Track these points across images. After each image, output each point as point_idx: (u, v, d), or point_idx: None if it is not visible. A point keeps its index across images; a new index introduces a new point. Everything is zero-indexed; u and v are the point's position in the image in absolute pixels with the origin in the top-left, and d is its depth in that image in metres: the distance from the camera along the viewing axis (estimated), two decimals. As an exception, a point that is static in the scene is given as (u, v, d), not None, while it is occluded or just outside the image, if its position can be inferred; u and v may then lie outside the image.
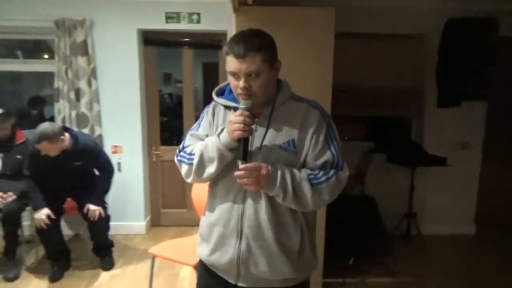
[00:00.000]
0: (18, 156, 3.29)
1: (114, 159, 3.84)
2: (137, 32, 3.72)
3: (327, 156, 1.32)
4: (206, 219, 1.46)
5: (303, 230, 1.37)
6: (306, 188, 1.27)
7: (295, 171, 1.30)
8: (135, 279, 3.12)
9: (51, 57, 3.95)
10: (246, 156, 1.26)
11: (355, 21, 3.51)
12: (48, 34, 3.73)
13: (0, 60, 3.92)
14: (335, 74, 2.64)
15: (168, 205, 4.26)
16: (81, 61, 3.60)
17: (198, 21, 3.69)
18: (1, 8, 3.58)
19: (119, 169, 3.91)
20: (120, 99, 3.79)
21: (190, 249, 2.64)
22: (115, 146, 3.89)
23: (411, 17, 3.66)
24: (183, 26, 3.71)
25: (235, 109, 1.35)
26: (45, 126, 2.81)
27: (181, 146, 1.44)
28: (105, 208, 3.18)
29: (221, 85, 1.49)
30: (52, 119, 3.91)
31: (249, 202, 1.34)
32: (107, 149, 3.80)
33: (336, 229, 3.05)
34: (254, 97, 1.29)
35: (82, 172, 3.16)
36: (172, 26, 3.71)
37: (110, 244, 3.42)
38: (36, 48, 4.19)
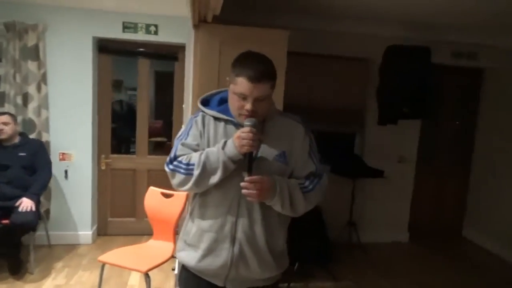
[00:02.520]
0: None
1: (61, 166, 3.78)
2: (92, 40, 3.70)
3: (312, 167, 1.47)
4: (195, 226, 1.48)
5: (285, 232, 1.54)
6: (299, 196, 1.41)
7: (289, 181, 1.42)
8: (81, 289, 3.06)
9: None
10: (251, 168, 1.34)
11: (306, 42, 3.76)
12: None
13: None
14: (285, 92, 2.83)
15: (116, 214, 4.20)
16: (31, 65, 3.51)
17: (156, 33, 3.75)
18: None
19: (66, 176, 3.82)
20: (71, 106, 3.72)
21: (141, 256, 2.67)
22: (63, 154, 3.79)
23: (357, 42, 4.00)
24: (140, 36, 3.75)
25: (226, 121, 1.44)
26: None
27: (172, 155, 1.44)
28: (38, 205, 3.28)
29: (206, 95, 1.56)
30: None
31: (243, 211, 1.41)
32: (54, 156, 3.70)
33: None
34: (256, 117, 1.36)
35: (26, 166, 3.30)
36: (129, 36, 3.74)
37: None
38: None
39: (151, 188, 2.99)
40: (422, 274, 3.70)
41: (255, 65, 1.35)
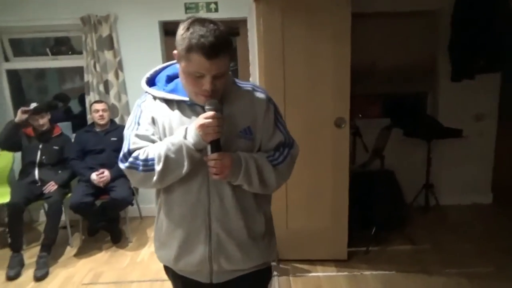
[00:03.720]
0: (56, 147, 3.57)
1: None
2: (158, 24, 3.89)
3: (280, 137, 1.34)
4: (164, 223, 1.35)
5: (266, 216, 1.40)
6: (269, 170, 1.29)
7: (256, 155, 1.30)
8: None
9: (73, 52, 4.16)
10: (218, 149, 1.22)
11: (369, 1, 3.61)
12: (73, 31, 3.92)
13: (32, 58, 4.16)
14: (351, 54, 2.78)
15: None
16: (108, 54, 3.80)
17: (216, 10, 3.84)
18: (29, 8, 3.78)
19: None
20: (146, 90, 3.97)
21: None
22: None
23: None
24: (201, 15, 3.83)
25: (179, 102, 1.27)
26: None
27: (125, 149, 1.26)
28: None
29: (150, 73, 1.38)
30: (84, 111, 4.14)
31: (215, 198, 1.29)
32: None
33: (358, 202, 3.23)
34: (216, 96, 1.22)
35: (116, 150, 3.50)
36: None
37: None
38: (56, 44, 4.37)
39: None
40: (503, 236, 3.51)
41: (209, 37, 1.13)
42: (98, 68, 3.83)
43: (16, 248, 3.17)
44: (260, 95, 1.33)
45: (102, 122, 3.60)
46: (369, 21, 3.74)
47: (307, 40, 2.79)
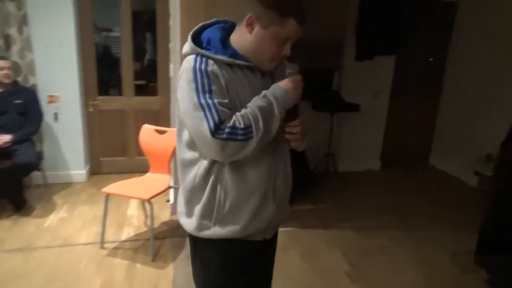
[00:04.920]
0: None
1: (50, 109, 3.87)
2: (69, -23, 3.63)
3: None
4: (230, 197, 1.27)
5: None
6: None
7: None
8: (84, 221, 3.32)
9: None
10: (298, 114, 1.27)
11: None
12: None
13: None
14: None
15: (108, 153, 4.39)
16: (10, 5, 3.46)
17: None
18: None
19: (56, 119, 3.93)
20: (55, 48, 3.72)
21: (141, 186, 2.93)
22: (51, 96, 3.86)
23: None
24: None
25: (241, 67, 1.23)
26: None
27: (216, 120, 1.12)
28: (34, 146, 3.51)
29: (191, 35, 1.28)
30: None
31: (280, 158, 1.34)
32: (43, 99, 3.78)
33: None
34: (284, 60, 1.27)
35: (21, 113, 3.38)
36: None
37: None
38: None
39: (145, 126, 3.17)
40: (390, 196, 4.14)
41: (302, 3, 1.18)
42: (-3, 21, 3.48)
43: None
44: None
45: (7, 81, 3.33)
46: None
47: (232, 9, 2.86)
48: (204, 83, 1.16)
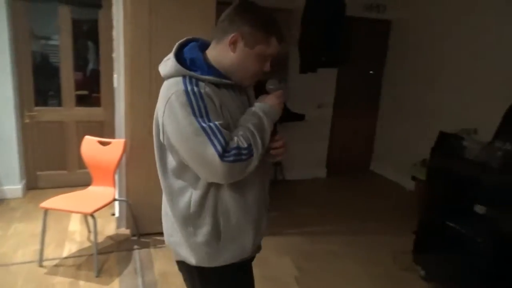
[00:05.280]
0: None
1: (-19, 121, 3.59)
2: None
3: None
4: (235, 214, 1.26)
5: None
6: None
7: None
8: (20, 239, 3.11)
9: None
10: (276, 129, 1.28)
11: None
12: None
13: None
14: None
15: (46, 167, 4.15)
16: None
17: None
18: None
19: (-12, 131, 3.67)
20: (-14, 56, 3.49)
21: (83, 200, 2.80)
22: (-19, 107, 3.60)
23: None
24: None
25: (225, 85, 1.23)
26: None
27: (222, 143, 1.10)
28: None
29: (191, 56, 1.23)
30: None
31: (267, 167, 1.35)
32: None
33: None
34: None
35: None
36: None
37: None
38: None
39: (87, 137, 3.05)
40: (336, 203, 4.31)
41: (279, 23, 1.23)
42: None
43: None
44: None
45: None
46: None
47: (175, 20, 2.89)
48: (200, 106, 1.12)
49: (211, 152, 1.09)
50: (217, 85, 1.20)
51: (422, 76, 4.62)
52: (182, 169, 1.22)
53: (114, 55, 3.34)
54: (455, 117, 4.11)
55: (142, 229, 3.19)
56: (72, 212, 2.70)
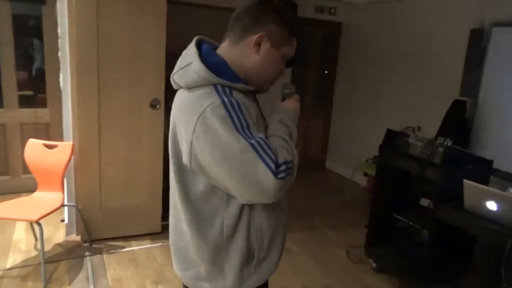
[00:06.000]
0: None
1: None
2: None
3: None
4: (267, 233, 1.15)
5: None
6: None
7: None
8: (-42, 251, 2.90)
9: None
10: None
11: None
12: None
13: None
14: (168, 40, 2.95)
15: (-13, 173, 3.89)
16: None
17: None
18: None
19: None
20: None
21: (28, 207, 2.66)
22: None
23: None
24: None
25: (246, 93, 1.10)
26: None
27: (273, 158, 0.98)
28: None
29: (215, 60, 1.08)
30: None
31: None
32: None
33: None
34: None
35: None
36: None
37: None
38: None
39: (31, 140, 2.89)
40: (292, 200, 4.36)
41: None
42: None
43: None
44: None
45: None
46: (188, 9, 4.01)
47: (124, 19, 2.81)
48: (241, 119, 0.98)
49: (263, 170, 0.96)
50: (243, 93, 1.08)
51: (371, 77, 4.82)
52: (210, 192, 1.07)
53: (60, 54, 3.18)
54: (401, 115, 4.33)
55: (93, 235, 3.07)
56: (16, 220, 2.54)
